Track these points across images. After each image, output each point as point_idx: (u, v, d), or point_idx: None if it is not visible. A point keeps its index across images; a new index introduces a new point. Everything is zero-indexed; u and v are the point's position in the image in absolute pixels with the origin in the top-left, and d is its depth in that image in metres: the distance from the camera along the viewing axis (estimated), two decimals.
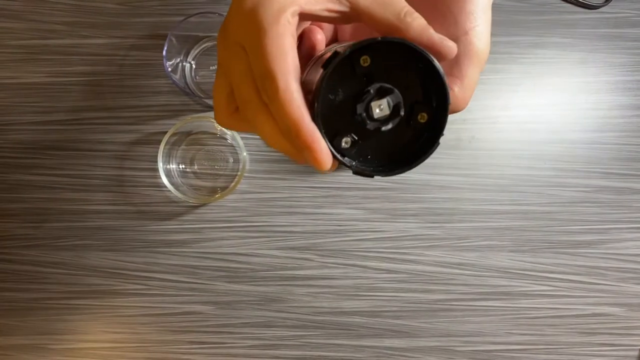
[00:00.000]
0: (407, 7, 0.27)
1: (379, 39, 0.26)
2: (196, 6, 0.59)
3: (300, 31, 0.31)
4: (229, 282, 0.58)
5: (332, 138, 0.27)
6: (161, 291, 0.58)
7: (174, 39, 0.54)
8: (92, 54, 0.59)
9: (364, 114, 0.27)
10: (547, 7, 0.61)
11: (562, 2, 0.61)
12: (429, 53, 0.26)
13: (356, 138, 0.27)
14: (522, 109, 0.60)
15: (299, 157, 0.28)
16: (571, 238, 0.59)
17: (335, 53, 0.26)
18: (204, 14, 0.53)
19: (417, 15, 0.27)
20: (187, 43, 0.58)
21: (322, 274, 0.58)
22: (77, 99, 0.59)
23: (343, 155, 0.27)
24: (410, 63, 0.27)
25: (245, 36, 0.26)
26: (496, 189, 0.59)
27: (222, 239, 0.58)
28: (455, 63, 0.29)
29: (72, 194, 0.58)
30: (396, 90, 0.27)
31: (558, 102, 0.60)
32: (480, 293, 0.58)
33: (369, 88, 0.27)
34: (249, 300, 0.58)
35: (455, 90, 0.29)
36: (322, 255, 0.58)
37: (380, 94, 0.27)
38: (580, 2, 0.60)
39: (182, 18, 0.53)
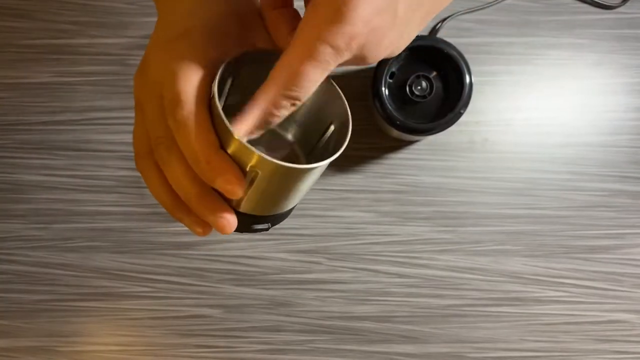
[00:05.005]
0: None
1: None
2: None
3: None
4: (237, 285, 0.57)
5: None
6: (168, 294, 0.57)
7: None
8: (101, 54, 0.59)
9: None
10: (563, 8, 0.59)
11: (578, 2, 0.60)
12: None
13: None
14: (536, 111, 0.59)
15: (198, 206, 0.27)
16: (586, 243, 0.58)
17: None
18: None
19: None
20: None
21: (331, 277, 0.57)
22: (86, 99, 0.58)
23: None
24: None
25: (162, 70, 0.27)
26: (510, 192, 0.58)
27: (231, 241, 0.57)
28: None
29: (80, 194, 0.58)
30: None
31: (573, 104, 0.59)
32: (493, 299, 0.57)
33: None
34: (257, 304, 0.57)
35: None
36: (332, 259, 0.57)
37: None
38: (596, 2, 0.59)
39: None
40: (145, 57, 0.28)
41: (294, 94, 0.24)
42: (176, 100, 0.25)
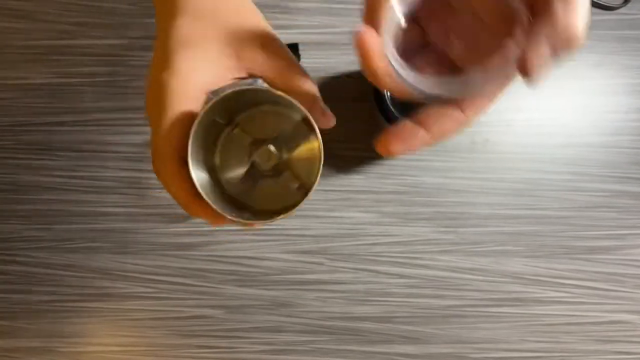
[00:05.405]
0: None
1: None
2: None
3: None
4: (239, 285, 0.57)
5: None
6: (170, 294, 0.57)
7: None
8: (103, 55, 0.59)
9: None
10: None
11: None
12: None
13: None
14: (537, 111, 0.59)
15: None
16: (587, 243, 0.58)
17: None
18: None
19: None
20: None
21: (332, 278, 0.57)
22: (88, 100, 0.58)
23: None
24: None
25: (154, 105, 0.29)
26: (510, 193, 0.58)
27: (233, 242, 0.58)
28: None
29: (82, 195, 0.58)
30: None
31: (574, 105, 0.59)
32: (494, 299, 0.57)
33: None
34: (259, 305, 0.57)
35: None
36: (333, 260, 0.57)
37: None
38: (597, 3, 0.59)
39: None
40: (149, 77, 0.30)
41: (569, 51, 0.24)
42: (154, 147, 0.28)
